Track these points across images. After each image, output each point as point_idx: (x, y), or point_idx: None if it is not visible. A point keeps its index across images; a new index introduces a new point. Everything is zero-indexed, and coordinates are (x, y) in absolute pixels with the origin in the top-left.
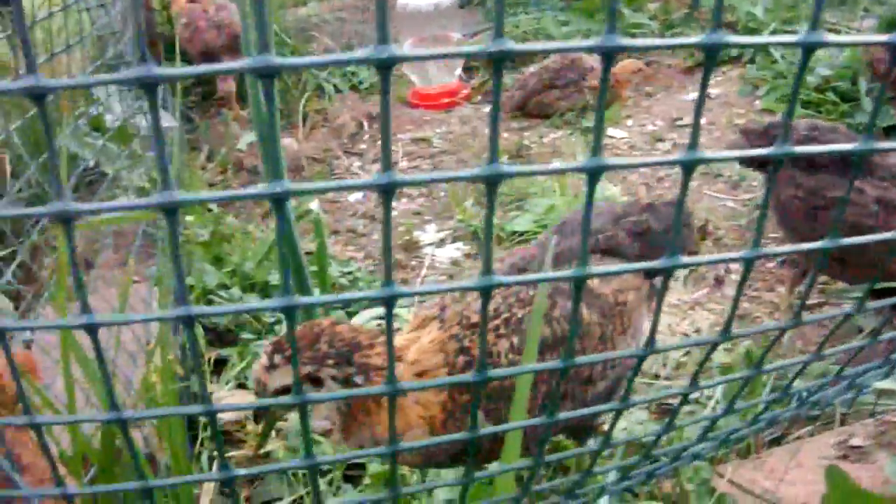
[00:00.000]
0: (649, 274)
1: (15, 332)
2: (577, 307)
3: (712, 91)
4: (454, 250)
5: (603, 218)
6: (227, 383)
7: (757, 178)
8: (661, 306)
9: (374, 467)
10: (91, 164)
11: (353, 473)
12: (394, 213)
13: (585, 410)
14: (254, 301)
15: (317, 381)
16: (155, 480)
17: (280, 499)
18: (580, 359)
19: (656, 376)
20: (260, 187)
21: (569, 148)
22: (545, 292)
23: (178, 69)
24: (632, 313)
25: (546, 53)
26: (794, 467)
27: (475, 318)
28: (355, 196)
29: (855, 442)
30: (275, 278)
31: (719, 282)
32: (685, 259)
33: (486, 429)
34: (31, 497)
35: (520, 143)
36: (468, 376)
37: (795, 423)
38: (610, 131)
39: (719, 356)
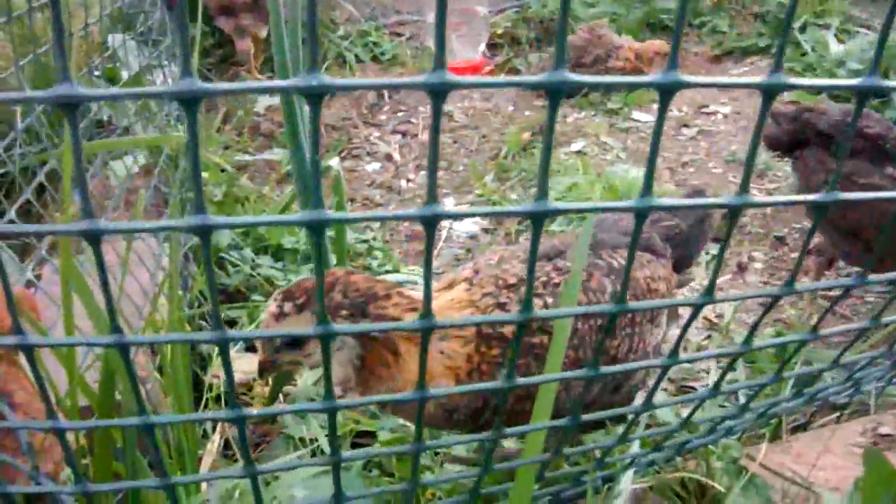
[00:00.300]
0: (676, 267)
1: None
2: (635, 241)
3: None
4: (472, 224)
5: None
6: (234, 345)
7: (782, 169)
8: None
9: (385, 435)
10: (105, 117)
11: (362, 441)
12: (412, 185)
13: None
14: (266, 261)
15: None
16: (157, 417)
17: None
18: (632, 304)
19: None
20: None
21: (592, 128)
22: (582, 262)
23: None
24: (646, 334)
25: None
26: (822, 453)
27: (512, 281)
28: (373, 166)
29: (884, 430)
30: (288, 241)
31: (742, 268)
32: None
33: (521, 379)
34: (19, 429)
35: (542, 120)
36: (514, 315)
37: (820, 410)
38: (634, 114)
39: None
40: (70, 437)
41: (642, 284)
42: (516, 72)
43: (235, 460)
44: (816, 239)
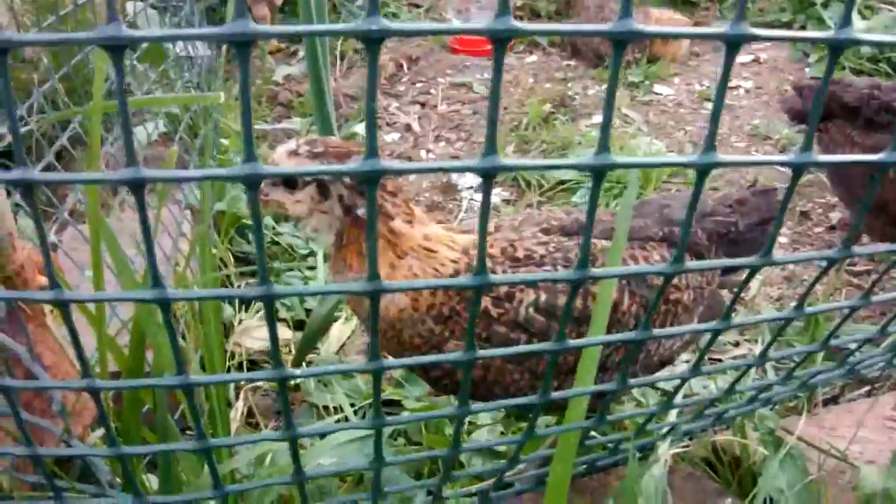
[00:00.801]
0: (727, 270)
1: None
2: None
3: (762, 55)
4: (493, 196)
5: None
6: (256, 312)
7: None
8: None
9: (411, 403)
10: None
11: (386, 411)
12: (431, 156)
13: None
14: (288, 229)
15: (323, 190)
16: (195, 377)
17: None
18: (691, 264)
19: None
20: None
21: (616, 101)
22: (625, 228)
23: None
24: (683, 315)
25: None
26: (852, 426)
27: (519, 254)
28: (392, 136)
29: None
30: None
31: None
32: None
33: (574, 342)
34: (52, 390)
35: (564, 93)
36: (569, 273)
37: (850, 384)
38: (657, 87)
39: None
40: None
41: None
42: (535, 43)
43: (259, 429)
44: (843, 214)
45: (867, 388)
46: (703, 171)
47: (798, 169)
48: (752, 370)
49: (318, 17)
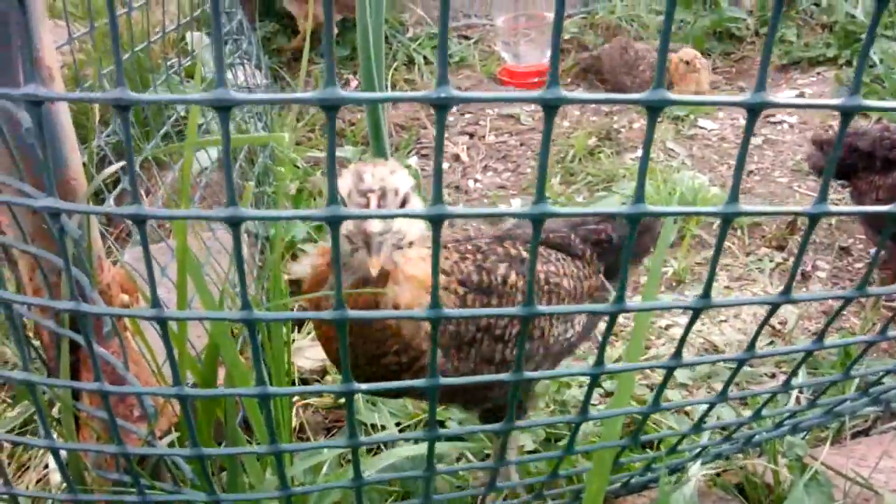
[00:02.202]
0: (608, 273)
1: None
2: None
3: (806, 90)
4: None
5: (562, 220)
6: (308, 334)
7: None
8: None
9: (454, 425)
10: (182, 113)
11: None
12: (479, 185)
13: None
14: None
15: None
16: (272, 388)
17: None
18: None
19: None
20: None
21: (658, 135)
22: (662, 255)
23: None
24: (566, 299)
25: None
26: (883, 456)
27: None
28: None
29: None
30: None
31: (805, 277)
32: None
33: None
34: (143, 394)
35: (609, 126)
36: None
37: (882, 417)
38: (701, 122)
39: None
40: (172, 410)
41: (541, 278)
42: (586, 73)
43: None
44: (883, 252)
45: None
46: (727, 219)
47: (813, 218)
48: (785, 398)
49: (375, 43)
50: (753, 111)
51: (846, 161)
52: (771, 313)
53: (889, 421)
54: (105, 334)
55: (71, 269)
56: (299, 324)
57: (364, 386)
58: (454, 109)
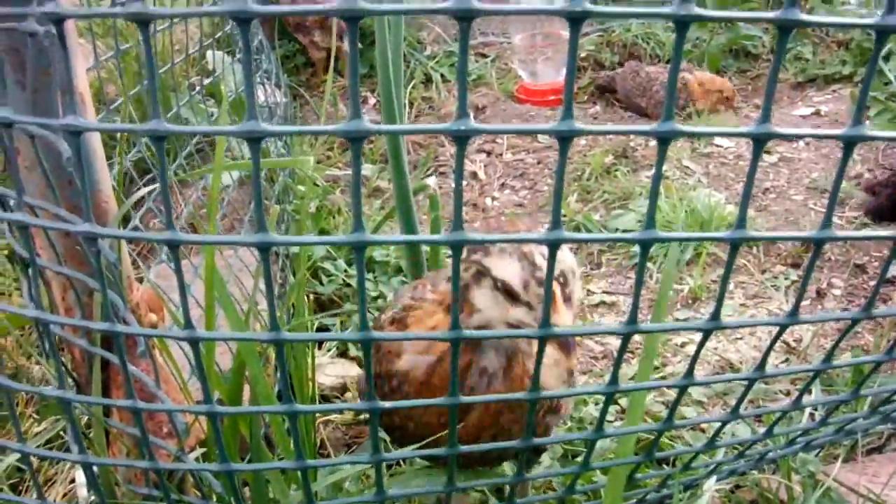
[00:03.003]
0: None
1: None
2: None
3: (822, 108)
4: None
5: None
6: (328, 351)
7: (864, 197)
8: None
9: None
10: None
11: None
12: (496, 203)
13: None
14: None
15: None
16: (299, 406)
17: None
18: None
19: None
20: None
21: (674, 153)
22: (670, 285)
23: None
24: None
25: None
26: (895, 473)
27: None
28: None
29: None
30: (379, 254)
31: (820, 295)
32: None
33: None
34: (174, 412)
35: (626, 144)
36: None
37: (895, 434)
38: (717, 140)
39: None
40: (199, 426)
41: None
42: (601, 92)
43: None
44: None
45: None
46: (734, 245)
47: (818, 243)
48: (799, 415)
49: (395, 62)
50: (759, 141)
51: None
52: (779, 334)
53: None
54: (139, 353)
55: (107, 291)
56: (319, 341)
57: (388, 404)
58: None
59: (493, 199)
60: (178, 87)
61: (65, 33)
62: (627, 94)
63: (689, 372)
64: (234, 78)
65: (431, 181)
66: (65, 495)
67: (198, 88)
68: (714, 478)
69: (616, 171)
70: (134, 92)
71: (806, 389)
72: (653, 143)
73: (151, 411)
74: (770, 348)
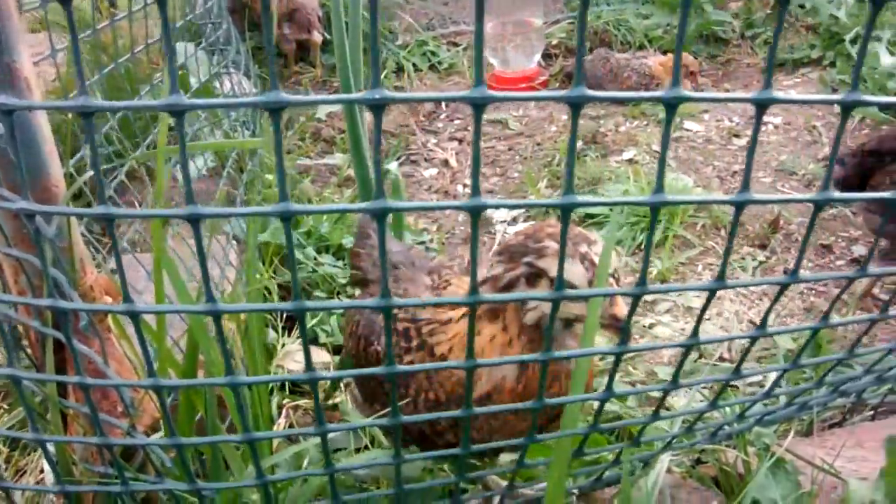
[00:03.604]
0: None
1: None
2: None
3: (792, 91)
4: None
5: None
6: (298, 337)
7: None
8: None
9: None
10: (171, 122)
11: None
12: (468, 190)
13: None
14: (327, 259)
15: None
16: (240, 378)
17: (344, 448)
18: (653, 287)
19: (721, 359)
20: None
21: (644, 137)
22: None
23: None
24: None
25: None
26: (853, 446)
27: None
28: (430, 171)
29: None
30: (348, 241)
31: (787, 275)
32: None
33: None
34: (122, 387)
35: (595, 129)
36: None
37: (855, 409)
38: (687, 124)
39: (785, 342)
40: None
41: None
42: (570, 78)
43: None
44: (867, 247)
45: (871, 412)
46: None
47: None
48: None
49: (354, 58)
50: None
51: (863, 169)
52: (709, 300)
53: (863, 412)
54: (81, 328)
55: (49, 268)
56: (289, 327)
57: (328, 374)
58: (443, 115)
59: (465, 185)
60: (148, 79)
61: None
62: (599, 81)
63: (623, 341)
64: (200, 68)
65: (393, 166)
66: (37, 483)
67: (161, 78)
68: (668, 454)
69: (586, 156)
70: (94, 80)
71: (744, 358)
72: (623, 128)
73: (99, 386)
74: (702, 314)
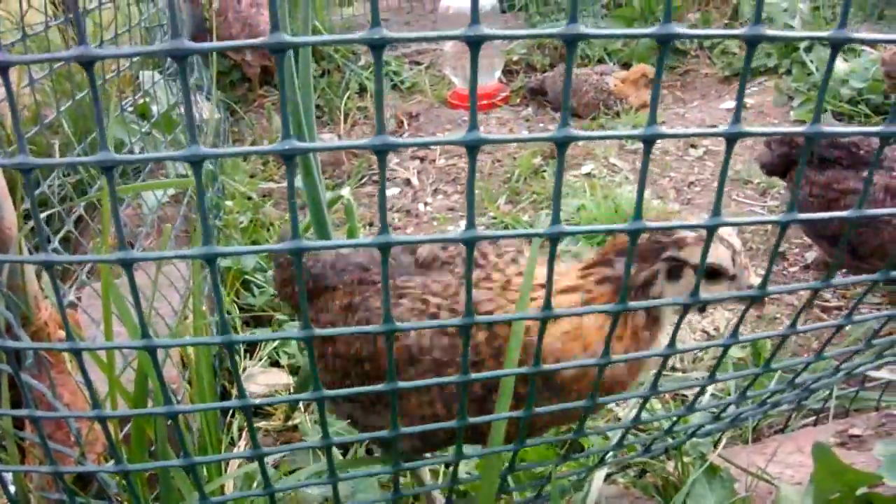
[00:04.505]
0: None
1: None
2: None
3: (748, 101)
4: None
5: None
6: (259, 360)
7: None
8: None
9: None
10: (137, 150)
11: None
12: (428, 208)
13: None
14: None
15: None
16: (179, 406)
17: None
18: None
19: (673, 368)
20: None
21: (601, 151)
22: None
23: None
24: None
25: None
26: (793, 452)
27: None
28: (392, 191)
29: (855, 431)
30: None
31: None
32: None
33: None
34: (69, 418)
35: (552, 145)
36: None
37: (797, 415)
38: None
39: (733, 351)
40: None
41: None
42: (533, 95)
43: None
44: (815, 253)
45: (814, 417)
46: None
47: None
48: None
49: (303, 79)
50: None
51: (788, 158)
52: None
53: (805, 418)
54: (28, 365)
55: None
56: (251, 351)
57: (258, 401)
58: (406, 134)
59: (426, 204)
60: (117, 106)
61: None
62: (558, 95)
63: (536, 361)
64: (161, 95)
65: (345, 192)
66: None
67: (127, 106)
68: (604, 470)
69: (543, 172)
70: (66, 107)
71: (659, 374)
72: (581, 143)
73: (47, 419)
74: (610, 334)
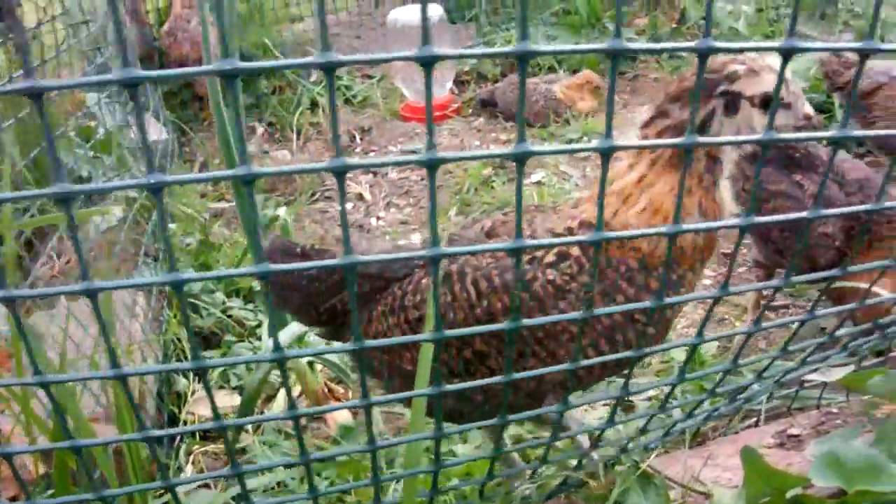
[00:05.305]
0: None
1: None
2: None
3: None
4: None
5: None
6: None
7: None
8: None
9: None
10: (84, 174)
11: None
12: (381, 222)
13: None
14: (237, 303)
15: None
16: (82, 441)
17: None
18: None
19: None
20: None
21: (552, 158)
22: None
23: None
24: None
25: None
26: (733, 455)
27: None
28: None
29: (793, 431)
30: (258, 284)
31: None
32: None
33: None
34: None
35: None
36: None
37: (744, 415)
38: (593, 143)
39: (679, 355)
40: (31, 466)
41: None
42: (483, 105)
43: (210, 489)
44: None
45: (755, 419)
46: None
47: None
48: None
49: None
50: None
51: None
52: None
53: (748, 418)
54: None
55: None
56: (200, 375)
57: (173, 431)
58: (357, 149)
59: (379, 218)
60: (61, 126)
61: None
62: (508, 106)
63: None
64: (108, 117)
65: (281, 211)
66: None
67: (68, 128)
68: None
69: (493, 182)
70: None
71: (630, 375)
72: None
73: None
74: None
